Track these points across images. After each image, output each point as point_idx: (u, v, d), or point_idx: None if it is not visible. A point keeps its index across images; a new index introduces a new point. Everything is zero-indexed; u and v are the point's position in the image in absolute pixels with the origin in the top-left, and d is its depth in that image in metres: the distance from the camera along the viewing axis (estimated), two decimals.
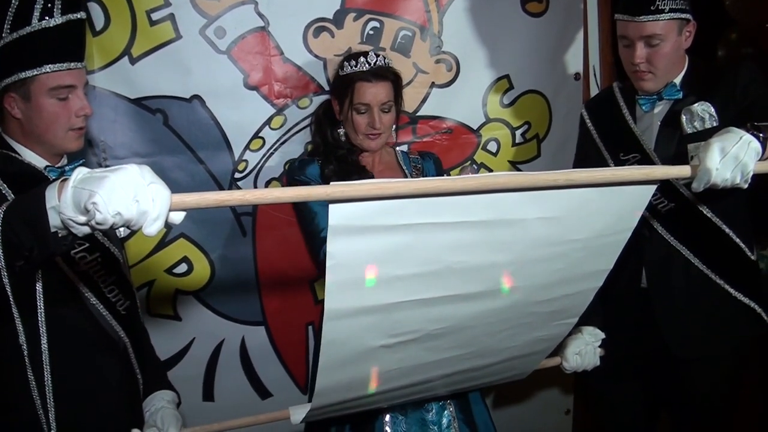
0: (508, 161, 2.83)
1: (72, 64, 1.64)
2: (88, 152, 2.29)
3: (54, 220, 1.18)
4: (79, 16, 1.65)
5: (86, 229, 1.16)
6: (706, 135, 1.70)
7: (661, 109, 2.17)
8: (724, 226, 2.12)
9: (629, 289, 2.23)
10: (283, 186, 2.46)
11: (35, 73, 1.59)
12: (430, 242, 1.33)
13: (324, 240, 1.22)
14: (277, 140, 2.51)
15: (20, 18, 1.59)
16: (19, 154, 1.66)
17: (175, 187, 1.13)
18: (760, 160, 1.53)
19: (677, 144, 2.10)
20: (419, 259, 1.35)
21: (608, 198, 1.44)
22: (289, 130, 2.51)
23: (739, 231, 2.14)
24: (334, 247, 1.24)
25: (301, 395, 2.66)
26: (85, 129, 1.72)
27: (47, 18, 1.59)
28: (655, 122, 2.18)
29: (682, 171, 1.51)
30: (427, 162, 2.34)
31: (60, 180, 1.18)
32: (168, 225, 1.15)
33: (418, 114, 2.66)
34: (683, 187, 2.09)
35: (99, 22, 2.28)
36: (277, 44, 2.45)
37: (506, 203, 1.34)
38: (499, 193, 1.32)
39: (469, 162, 2.72)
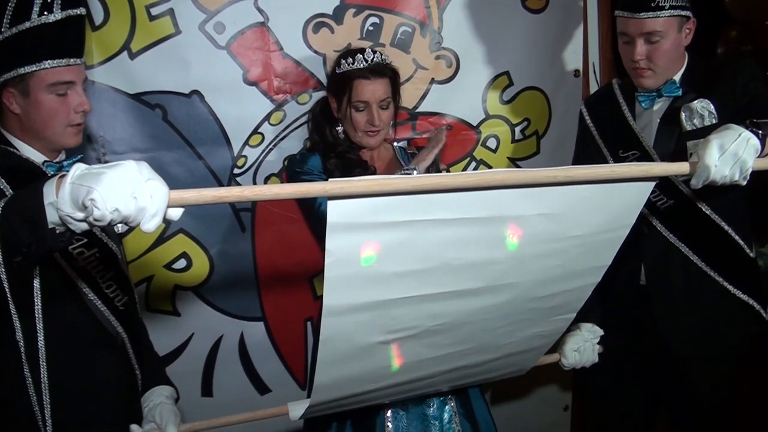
0: (508, 158, 2.83)
1: (71, 60, 1.64)
2: (87, 147, 2.29)
3: (52, 217, 1.18)
4: (78, 12, 1.64)
5: (84, 226, 1.16)
6: (705, 132, 1.69)
7: (660, 106, 2.17)
8: (723, 223, 2.12)
9: (628, 286, 2.24)
10: (282, 182, 2.46)
11: (34, 68, 1.59)
12: (428, 239, 1.33)
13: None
14: (277, 136, 2.51)
15: (20, 13, 1.58)
16: (17, 150, 1.66)
17: (174, 183, 1.13)
18: (759, 157, 1.53)
19: (676, 141, 2.10)
20: (418, 256, 1.35)
21: (607, 195, 1.44)
22: (288, 125, 2.51)
23: (738, 228, 2.14)
24: (332, 244, 1.24)
25: (300, 391, 2.66)
26: (84, 125, 1.72)
27: (47, 13, 1.59)
28: (655, 119, 2.17)
29: (680, 168, 1.51)
30: None
31: (58, 176, 1.18)
32: (166, 221, 1.15)
33: (418, 110, 2.65)
34: (682, 184, 2.09)
35: (98, 16, 2.27)
36: (277, 40, 2.45)
37: (505, 200, 1.34)
38: (497, 190, 1.32)
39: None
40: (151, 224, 1.11)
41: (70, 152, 1.75)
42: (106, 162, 1.42)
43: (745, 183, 1.52)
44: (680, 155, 2.05)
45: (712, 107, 2.04)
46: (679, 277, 2.18)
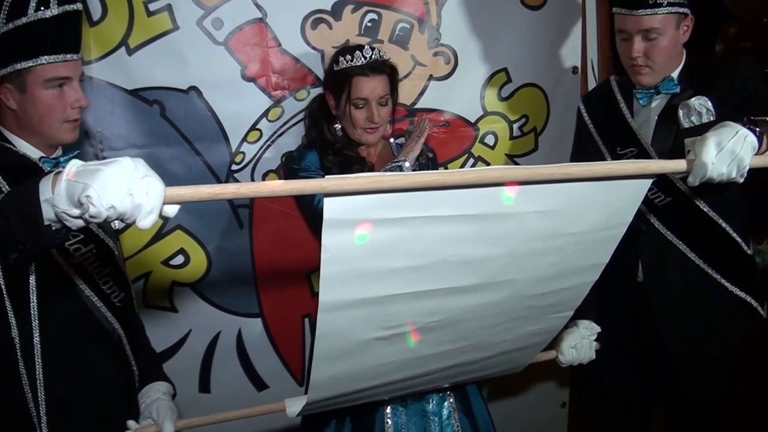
0: (506, 154, 2.83)
1: (68, 55, 1.63)
2: (85, 143, 2.29)
3: (48, 213, 1.18)
4: (75, 8, 1.64)
5: (80, 222, 1.16)
6: (703, 129, 1.69)
7: (658, 103, 2.17)
8: (720, 221, 2.12)
9: (625, 283, 2.24)
10: (280, 178, 2.45)
11: (31, 64, 1.59)
12: (425, 235, 1.33)
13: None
14: (275, 132, 2.51)
15: (16, 8, 1.58)
16: (13, 145, 1.65)
17: (171, 179, 1.14)
18: (756, 154, 1.52)
19: (674, 138, 2.10)
20: (414, 252, 1.35)
21: (604, 192, 1.44)
22: (286, 122, 2.51)
23: (736, 225, 2.14)
24: (328, 240, 1.24)
25: (297, 387, 2.67)
26: (81, 120, 1.71)
27: (43, 9, 1.58)
28: (653, 116, 2.17)
29: (678, 165, 1.51)
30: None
31: (54, 173, 1.18)
32: (163, 218, 1.15)
33: (416, 107, 2.65)
34: (680, 181, 2.09)
35: (96, 12, 2.27)
36: (275, 36, 2.45)
37: (502, 197, 1.34)
38: (495, 187, 1.32)
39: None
40: (147, 221, 1.11)
41: (66, 148, 1.75)
42: (104, 158, 1.41)
43: (742, 180, 1.51)
44: (678, 152, 2.04)
45: (710, 104, 2.04)
46: (677, 274, 2.18)
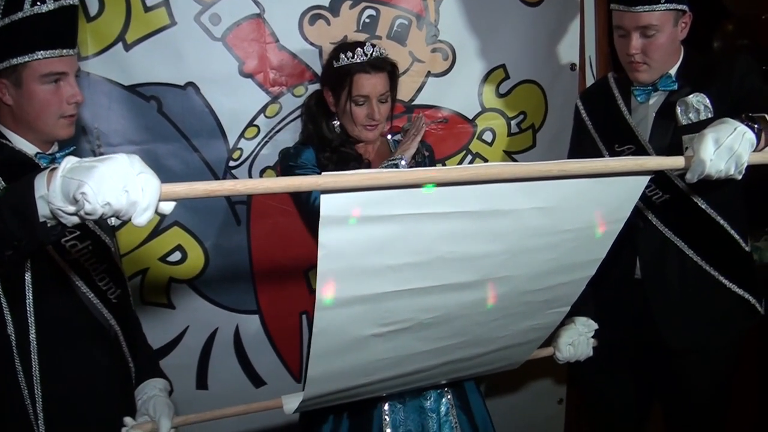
0: (503, 151, 2.83)
1: (64, 50, 1.63)
2: (82, 139, 2.28)
3: (43, 210, 1.17)
4: (71, 2, 1.63)
5: (75, 219, 1.15)
6: (701, 126, 1.69)
7: (656, 100, 2.17)
8: (718, 218, 2.12)
9: (623, 280, 2.24)
10: (277, 175, 2.45)
11: (27, 59, 1.58)
12: (422, 232, 1.33)
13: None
14: (272, 128, 2.50)
15: (12, 3, 1.57)
16: (9, 141, 1.65)
17: (169, 176, 1.13)
18: (754, 151, 1.52)
19: (672, 135, 2.10)
20: (411, 249, 1.35)
21: (602, 189, 1.44)
22: (284, 118, 2.50)
23: (734, 222, 2.14)
24: (325, 237, 1.24)
25: (295, 384, 2.66)
26: (77, 116, 1.71)
27: (39, 4, 1.57)
28: (650, 113, 2.17)
29: (675, 162, 1.51)
30: None
31: (49, 169, 1.17)
32: (159, 214, 1.14)
33: (414, 103, 2.65)
34: (677, 178, 2.09)
35: (93, 7, 2.26)
36: (273, 32, 2.44)
37: (499, 193, 1.34)
38: (492, 184, 1.31)
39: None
40: (142, 218, 1.10)
41: (62, 144, 1.74)
42: (101, 154, 1.41)
43: (740, 177, 1.51)
44: (676, 149, 2.04)
45: (708, 101, 2.04)
46: (675, 271, 2.18)
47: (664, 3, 2.02)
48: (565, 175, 1.36)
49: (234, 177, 2.46)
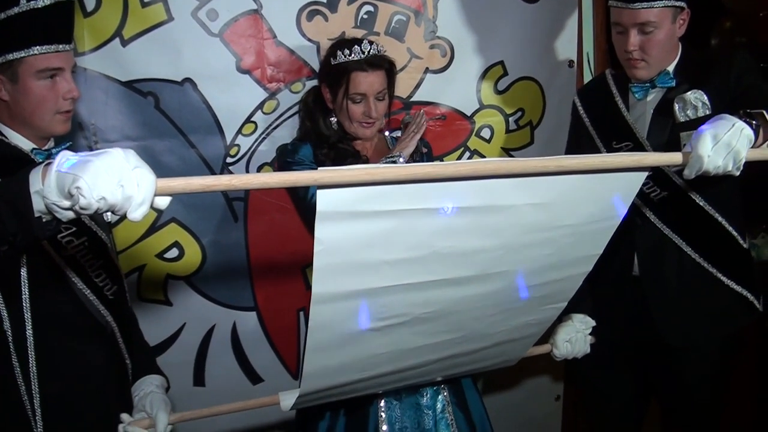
0: (501, 148, 2.83)
1: (60, 46, 1.62)
2: (79, 135, 2.28)
3: (38, 205, 1.17)
4: None
5: (70, 214, 1.15)
6: (698, 123, 1.69)
7: (653, 97, 2.17)
8: (716, 214, 2.12)
9: (621, 277, 2.24)
10: (275, 171, 2.45)
11: (23, 54, 1.57)
12: (418, 227, 1.33)
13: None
14: (270, 125, 2.50)
15: None
16: (5, 137, 1.64)
17: (166, 172, 1.13)
18: (752, 147, 1.52)
19: (670, 132, 2.10)
20: (407, 244, 1.35)
21: (599, 185, 1.44)
22: (281, 114, 2.50)
23: (732, 219, 2.14)
24: (321, 233, 1.24)
25: (292, 381, 2.66)
26: (73, 112, 1.70)
27: None
28: (648, 110, 2.17)
29: (673, 158, 1.51)
30: None
31: (44, 164, 1.17)
32: (155, 210, 1.14)
33: (412, 99, 2.65)
34: (675, 175, 2.09)
35: (90, 2, 2.25)
36: (270, 27, 2.43)
37: (496, 189, 1.34)
38: (489, 179, 1.31)
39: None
40: (138, 213, 1.10)
41: (58, 140, 1.74)
42: (98, 150, 1.40)
43: (738, 173, 1.51)
44: (674, 146, 2.05)
45: (706, 98, 2.04)
46: (673, 268, 2.18)
47: (662, 0, 2.02)
48: (562, 171, 1.36)
49: (231, 173, 2.46)
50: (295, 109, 2.46)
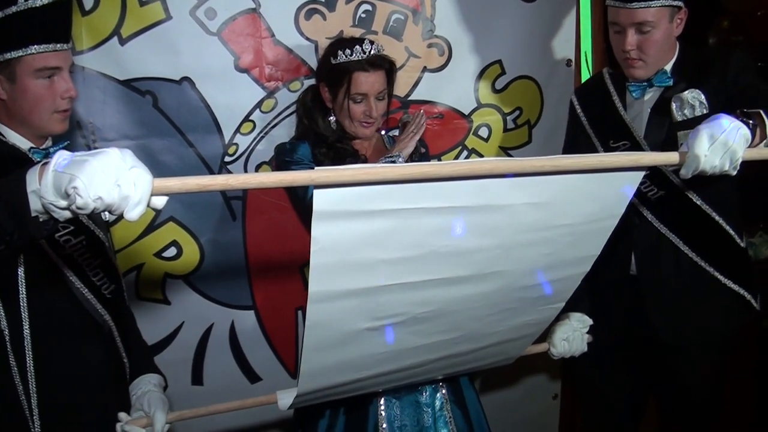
0: (499, 147, 2.83)
1: (58, 45, 1.62)
2: (77, 134, 2.28)
3: (35, 204, 1.17)
4: None
5: (67, 214, 1.15)
6: (696, 122, 1.69)
7: (651, 96, 2.17)
8: (713, 214, 2.12)
9: (618, 276, 2.24)
10: (273, 170, 2.45)
11: (20, 53, 1.57)
12: (415, 227, 1.33)
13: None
14: (268, 124, 2.49)
15: None
16: (3, 136, 1.64)
17: (164, 171, 1.13)
18: (749, 146, 1.52)
19: (667, 131, 2.10)
20: (404, 244, 1.35)
21: (596, 184, 1.44)
22: (280, 113, 2.50)
23: (729, 218, 2.14)
24: (318, 232, 1.24)
25: (290, 380, 2.66)
26: (71, 111, 1.70)
27: None
28: (645, 109, 2.17)
29: (670, 158, 1.51)
30: None
31: (41, 164, 1.17)
32: (152, 209, 1.14)
33: (410, 98, 2.65)
34: (672, 174, 2.09)
35: (88, 1, 2.25)
36: (269, 26, 2.43)
37: (494, 189, 1.34)
38: (486, 179, 1.31)
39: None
40: (134, 213, 1.10)
41: (56, 138, 1.74)
42: (96, 149, 1.40)
43: (735, 173, 1.51)
44: (671, 145, 2.05)
45: (703, 97, 2.04)
46: (670, 267, 2.18)
47: None
48: (560, 170, 1.36)
49: (230, 172, 2.46)
50: (294, 108, 2.45)
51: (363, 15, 2.53)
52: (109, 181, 1.08)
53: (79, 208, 1.09)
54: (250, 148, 2.49)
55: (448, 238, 1.38)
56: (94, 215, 1.54)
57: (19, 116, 1.63)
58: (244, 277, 2.59)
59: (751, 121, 1.54)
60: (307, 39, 2.48)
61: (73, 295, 1.67)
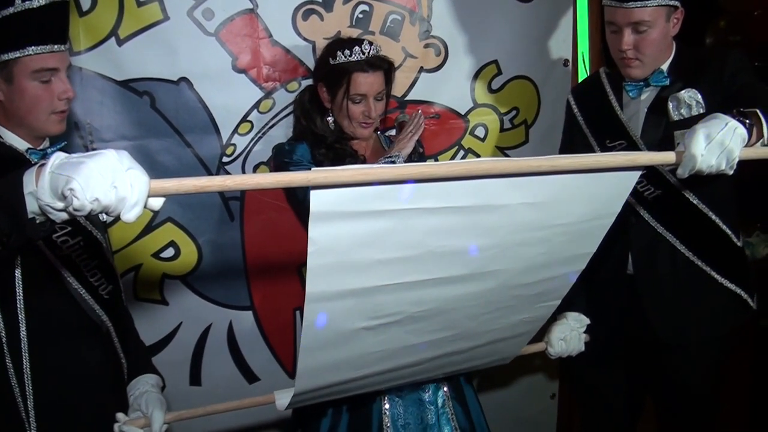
0: (496, 147, 2.83)
1: (55, 46, 1.62)
2: (74, 134, 2.28)
3: (31, 206, 1.17)
4: None
5: (64, 215, 1.15)
6: (692, 122, 1.69)
7: (647, 95, 2.17)
8: (710, 213, 2.12)
9: (615, 275, 2.24)
10: (271, 170, 2.45)
11: (18, 55, 1.57)
12: (412, 227, 1.33)
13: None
14: (266, 124, 2.50)
15: None
16: (0, 137, 1.65)
17: (162, 171, 1.13)
18: (746, 146, 1.53)
19: (664, 131, 2.11)
20: (402, 244, 1.35)
21: (592, 184, 1.44)
22: (277, 113, 2.50)
23: (725, 217, 2.14)
24: (315, 233, 1.25)
25: (289, 380, 2.65)
26: (68, 112, 1.70)
27: None
28: (642, 109, 2.17)
29: (666, 157, 1.51)
30: None
31: (38, 165, 1.17)
32: (149, 210, 1.14)
33: (407, 98, 2.65)
34: (669, 173, 2.09)
35: (86, 2, 2.25)
36: (266, 27, 2.43)
37: (490, 189, 1.34)
38: (482, 179, 1.32)
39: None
40: (131, 214, 1.10)
41: (54, 139, 1.74)
42: (94, 149, 1.40)
43: (731, 172, 1.51)
44: (667, 145, 2.05)
45: (700, 97, 2.04)
46: (666, 266, 2.18)
47: None
48: (556, 170, 1.36)
49: (227, 173, 2.46)
50: (291, 108, 2.45)
51: (360, 15, 2.54)
52: (106, 182, 1.08)
53: (75, 210, 1.09)
54: (248, 148, 2.49)
55: (444, 239, 1.39)
56: (92, 216, 1.54)
57: (16, 117, 1.63)
58: (242, 278, 2.59)
59: (747, 121, 1.54)
60: (305, 39, 2.48)
61: (71, 295, 1.68)
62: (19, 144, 1.66)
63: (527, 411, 3.11)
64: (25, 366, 1.56)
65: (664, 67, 2.13)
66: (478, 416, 2.23)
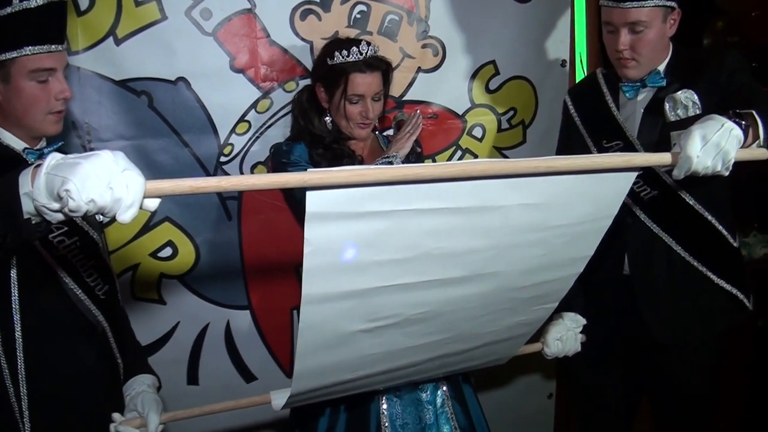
0: (493, 147, 2.84)
1: (53, 46, 1.62)
2: (72, 134, 2.28)
3: (27, 207, 1.17)
4: None
5: (60, 216, 1.15)
6: (689, 123, 1.69)
7: (644, 96, 2.17)
8: (706, 214, 2.12)
9: (611, 276, 2.24)
10: (268, 170, 2.45)
11: (15, 55, 1.57)
12: (409, 228, 1.33)
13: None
14: (263, 124, 2.50)
15: None
16: None
17: (159, 171, 1.13)
18: (741, 147, 1.53)
19: (660, 131, 2.11)
20: (398, 245, 1.35)
21: (589, 185, 1.44)
22: (275, 113, 2.50)
23: (722, 218, 2.15)
24: (311, 234, 1.25)
25: (286, 380, 2.66)
26: (65, 112, 1.70)
27: None
28: (639, 109, 2.17)
29: (662, 158, 1.51)
30: None
31: (33, 166, 1.17)
32: (145, 211, 1.14)
33: (404, 99, 2.65)
34: (665, 174, 2.09)
35: (84, 2, 2.25)
36: (264, 27, 2.43)
37: (487, 190, 1.34)
38: (479, 180, 1.32)
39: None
40: (127, 215, 1.10)
41: (51, 139, 1.73)
42: (91, 149, 1.40)
43: (727, 173, 1.52)
44: (664, 145, 2.05)
45: (696, 98, 2.05)
46: (663, 267, 2.19)
47: None
48: (553, 171, 1.37)
49: (225, 173, 2.46)
50: (289, 108, 2.45)
51: (358, 15, 2.54)
52: (102, 183, 1.08)
53: (71, 211, 1.09)
54: (246, 148, 2.49)
55: (442, 240, 1.39)
56: (88, 216, 1.54)
57: (13, 117, 1.63)
58: (239, 277, 2.59)
59: (743, 122, 1.55)
60: (303, 39, 2.48)
61: (67, 295, 1.67)
62: (16, 144, 1.66)
63: (525, 411, 3.11)
64: (19, 366, 1.55)
65: (661, 67, 2.13)
66: (477, 415, 2.23)
